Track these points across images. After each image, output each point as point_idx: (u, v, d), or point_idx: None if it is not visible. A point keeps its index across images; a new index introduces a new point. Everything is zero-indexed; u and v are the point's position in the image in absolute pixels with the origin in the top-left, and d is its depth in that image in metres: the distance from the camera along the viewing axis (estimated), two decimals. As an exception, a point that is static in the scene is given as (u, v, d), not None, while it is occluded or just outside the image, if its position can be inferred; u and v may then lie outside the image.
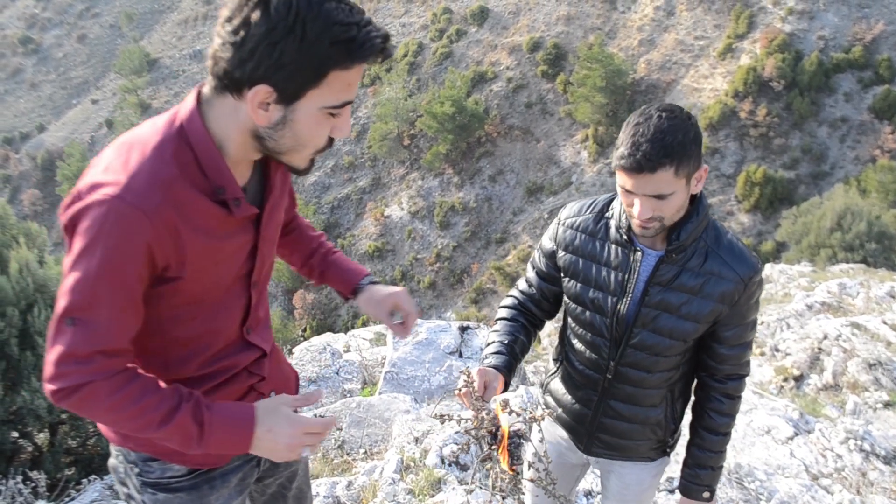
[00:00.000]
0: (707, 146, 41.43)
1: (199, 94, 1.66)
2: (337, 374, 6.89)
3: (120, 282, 1.56)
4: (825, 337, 7.66)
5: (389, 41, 1.58)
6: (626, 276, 2.31)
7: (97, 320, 1.55)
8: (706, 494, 2.52)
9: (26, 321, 5.75)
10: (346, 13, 1.50)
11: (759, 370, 7.82)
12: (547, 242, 2.53)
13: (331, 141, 1.69)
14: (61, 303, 1.56)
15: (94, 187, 1.54)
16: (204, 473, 1.93)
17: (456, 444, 4.59)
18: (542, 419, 2.05)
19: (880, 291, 10.19)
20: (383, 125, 51.84)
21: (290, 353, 7.60)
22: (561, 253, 2.46)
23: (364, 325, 18.03)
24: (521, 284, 2.65)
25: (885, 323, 7.80)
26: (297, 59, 1.49)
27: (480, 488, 1.97)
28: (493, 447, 1.98)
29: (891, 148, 36.92)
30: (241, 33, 1.49)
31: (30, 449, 6.02)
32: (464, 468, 4.38)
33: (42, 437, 6.12)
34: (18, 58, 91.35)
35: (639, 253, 2.29)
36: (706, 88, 44.32)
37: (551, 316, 2.63)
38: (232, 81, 1.55)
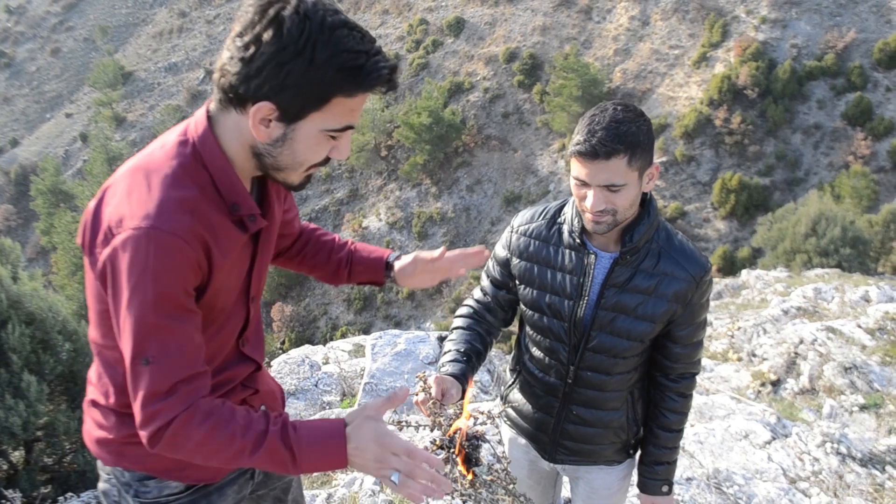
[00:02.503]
0: (683, 154, 41.74)
1: (207, 111, 1.67)
2: (315, 386, 6.85)
3: (178, 308, 1.57)
4: (801, 341, 7.72)
5: (397, 72, 1.60)
6: (582, 280, 2.33)
7: (169, 352, 1.56)
8: (665, 488, 2.57)
9: (0, 338, 5.68)
10: (356, 41, 1.52)
11: (737, 375, 7.87)
12: (500, 251, 2.54)
13: (327, 160, 1.69)
14: (129, 346, 1.55)
15: (123, 221, 1.54)
16: (202, 489, 1.91)
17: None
18: (498, 417, 2.05)
19: (855, 296, 10.30)
20: (360, 136, 51.78)
21: (269, 365, 7.55)
22: (515, 260, 2.48)
23: (343, 336, 17.95)
24: (476, 293, 2.65)
25: (859, 327, 7.88)
26: (302, 81, 1.50)
27: (451, 497, 1.93)
28: (451, 451, 1.96)
29: (864, 154, 37.37)
30: (251, 50, 1.50)
31: (5, 467, 5.94)
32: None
33: (17, 455, 6.04)
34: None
35: (592, 256, 2.32)
36: (681, 97, 44.69)
37: (506, 324, 2.63)
38: (237, 96, 1.57)
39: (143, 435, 1.57)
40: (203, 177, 1.63)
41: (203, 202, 1.61)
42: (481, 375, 6.80)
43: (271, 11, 1.49)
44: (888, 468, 4.85)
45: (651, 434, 2.55)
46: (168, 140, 1.67)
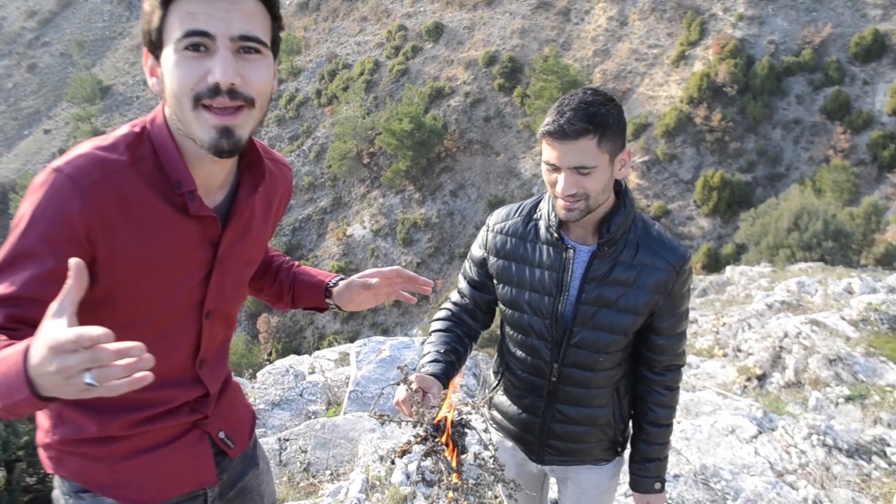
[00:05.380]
0: (664, 153, 41.92)
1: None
2: (301, 395, 6.80)
3: (39, 249, 1.47)
4: (786, 335, 7.74)
5: None
6: (561, 275, 2.31)
7: (9, 276, 1.46)
8: (657, 485, 2.54)
9: (-23, 356, 5.61)
10: None
11: (723, 371, 7.88)
12: (477, 251, 2.51)
13: (216, 88, 1.48)
14: None
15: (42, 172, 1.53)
16: None
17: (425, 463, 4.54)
18: (483, 406, 2.01)
19: (838, 288, 10.35)
20: (342, 144, 51.75)
21: (254, 377, 7.50)
22: (492, 259, 2.44)
23: (329, 346, 17.90)
24: (454, 296, 2.61)
25: (843, 319, 7.91)
26: (147, 7, 1.51)
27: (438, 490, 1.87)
28: (437, 440, 1.91)
29: (843, 147, 37.65)
30: None
31: (-15, 488, 5.85)
32: (430, 484, 4.33)
33: (-2, 475, 5.96)
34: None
35: (571, 250, 2.29)
36: (661, 96, 44.91)
37: (486, 326, 2.60)
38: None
39: None
40: (144, 149, 1.61)
41: (129, 172, 1.57)
42: (467, 379, 6.78)
43: None
44: (874, 458, 4.86)
45: (640, 431, 2.52)
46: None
